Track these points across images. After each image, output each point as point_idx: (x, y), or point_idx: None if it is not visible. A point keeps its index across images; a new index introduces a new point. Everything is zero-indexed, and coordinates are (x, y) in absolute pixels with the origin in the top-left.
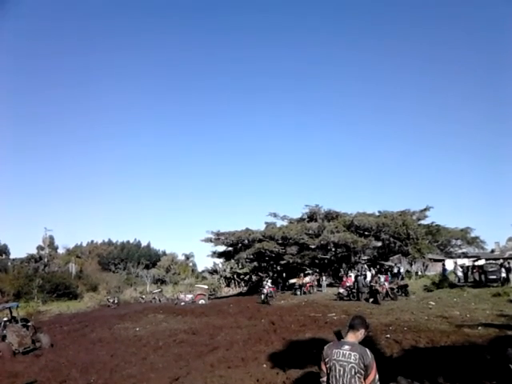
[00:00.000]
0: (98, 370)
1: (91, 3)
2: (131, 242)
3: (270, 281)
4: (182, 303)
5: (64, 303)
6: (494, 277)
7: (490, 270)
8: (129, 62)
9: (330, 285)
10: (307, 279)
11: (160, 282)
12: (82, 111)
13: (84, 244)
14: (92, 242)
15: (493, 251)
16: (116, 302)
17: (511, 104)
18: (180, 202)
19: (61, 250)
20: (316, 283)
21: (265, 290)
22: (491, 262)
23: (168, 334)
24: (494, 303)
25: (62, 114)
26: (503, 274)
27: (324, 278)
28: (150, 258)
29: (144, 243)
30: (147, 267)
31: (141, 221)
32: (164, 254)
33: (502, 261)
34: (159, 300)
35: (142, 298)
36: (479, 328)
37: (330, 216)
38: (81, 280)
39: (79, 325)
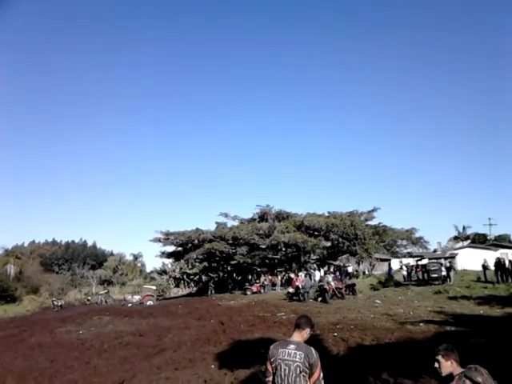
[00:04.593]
0: (35, 376)
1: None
2: (76, 241)
3: None
4: (130, 304)
5: (0, 307)
6: (436, 275)
7: (432, 268)
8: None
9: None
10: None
11: (107, 283)
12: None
13: (25, 244)
14: (34, 241)
15: (435, 251)
16: (60, 304)
17: (455, 104)
18: (128, 200)
19: None
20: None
21: None
22: (433, 261)
23: (114, 337)
24: (435, 300)
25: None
26: (444, 273)
27: (279, 277)
28: (96, 259)
29: (90, 243)
30: (93, 268)
31: (87, 220)
32: (111, 254)
33: (443, 260)
34: (105, 301)
35: (88, 300)
36: (421, 324)
37: (281, 216)
38: (20, 282)
39: (17, 329)
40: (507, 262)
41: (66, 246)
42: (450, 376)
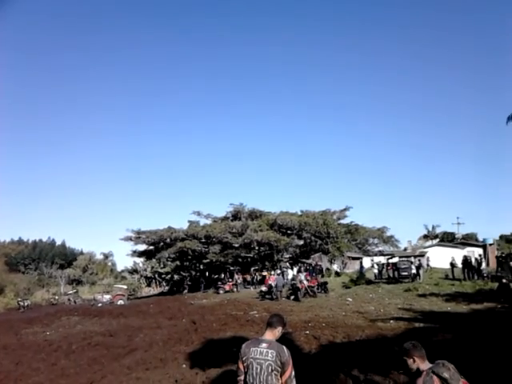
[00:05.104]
0: None
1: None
2: (44, 240)
3: None
4: (100, 304)
5: None
6: (406, 273)
7: (403, 266)
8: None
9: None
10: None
11: (76, 282)
12: None
13: None
14: None
15: (405, 249)
16: (26, 304)
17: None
18: (99, 198)
19: None
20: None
21: None
22: (403, 259)
23: (82, 337)
24: (405, 298)
25: None
26: (413, 271)
27: (252, 276)
28: (65, 258)
29: (59, 242)
30: (62, 267)
31: (56, 218)
32: (81, 253)
33: (412, 258)
34: (74, 301)
35: (55, 300)
36: (391, 322)
37: (254, 215)
38: None
39: None
40: (473, 260)
41: (33, 245)
42: (418, 372)
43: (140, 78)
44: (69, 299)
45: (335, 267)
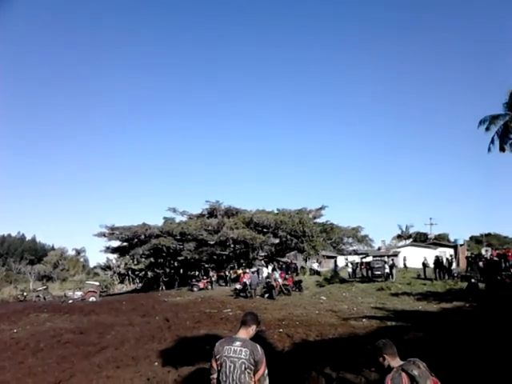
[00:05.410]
0: None
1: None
2: (13, 235)
3: None
4: (70, 301)
5: None
6: (379, 272)
7: (376, 266)
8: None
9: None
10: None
11: (46, 278)
12: None
13: None
14: None
15: (379, 249)
16: None
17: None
18: (72, 192)
19: None
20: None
21: None
22: (377, 258)
23: (51, 335)
24: (378, 297)
25: None
26: (387, 270)
27: (227, 273)
28: (35, 253)
29: (29, 237)
30: (32, 263)
31: (26, 212)
32: (52, 248)
33: (386, 258)
34: (44, 298)
35: (22, 296)
36: (363, 320)
37: (230, 212)
38: None
39: None
40: (445, 260)
41: (1, 240)
42: (389, 369)
43: (140, 76)
44: (37, 296)
45: (315, 266)
